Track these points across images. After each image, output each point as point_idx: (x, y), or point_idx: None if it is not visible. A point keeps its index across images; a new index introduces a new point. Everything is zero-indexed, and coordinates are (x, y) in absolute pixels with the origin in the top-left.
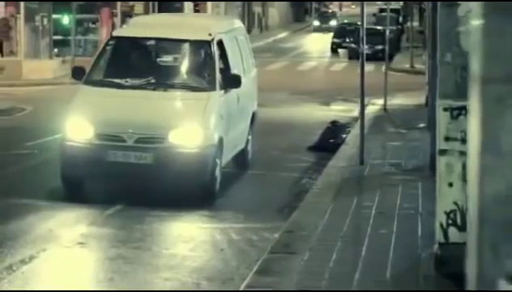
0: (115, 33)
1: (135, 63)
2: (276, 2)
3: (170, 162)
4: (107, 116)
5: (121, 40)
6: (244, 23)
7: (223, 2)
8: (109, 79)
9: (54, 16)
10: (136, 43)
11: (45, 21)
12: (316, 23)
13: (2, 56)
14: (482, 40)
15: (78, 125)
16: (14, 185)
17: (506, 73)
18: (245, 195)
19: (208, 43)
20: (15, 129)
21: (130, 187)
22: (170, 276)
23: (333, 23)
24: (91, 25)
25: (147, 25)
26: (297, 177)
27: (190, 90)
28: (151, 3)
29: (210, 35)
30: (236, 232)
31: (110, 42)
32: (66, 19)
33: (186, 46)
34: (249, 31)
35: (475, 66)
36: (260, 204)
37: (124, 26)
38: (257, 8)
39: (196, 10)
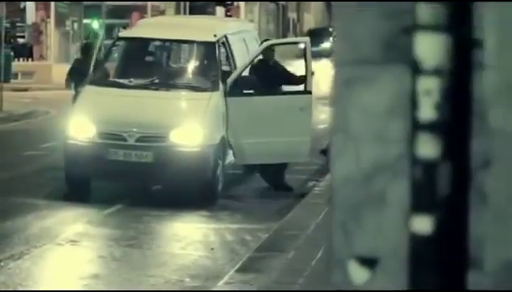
0: (121, 34)
1: (140, 64)
2: (312, 8)
3: (170, 161)
4: (108, 115)
5: (126, 41)
6: (278, 29)
7: (257, 8)
8: (114, 79)
9: (85, 21)
10: (142, 44)
11: (76, 26)
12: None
13: (33, 60)
14: (336, 24)
15: (81, 124)
16: (19, 185)
17: (354, 56)
18: (247, 196)
19: (213, 44)
20: (34, 131)
21: (132, 186)
22: (155, 273)
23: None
24: (121, 30)
25: (154, 26)
26: (304, 179)
27: (193, 90)
28: (182, 8)
29: (215, 36)
30: (230, 232)
31: (116, 43)
32: (95, 24)
33: (191, 47)
34: (284, 37)
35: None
36: (260, 206)
37: (133, 27)
38: (292, 14)
39: (228, 16)
